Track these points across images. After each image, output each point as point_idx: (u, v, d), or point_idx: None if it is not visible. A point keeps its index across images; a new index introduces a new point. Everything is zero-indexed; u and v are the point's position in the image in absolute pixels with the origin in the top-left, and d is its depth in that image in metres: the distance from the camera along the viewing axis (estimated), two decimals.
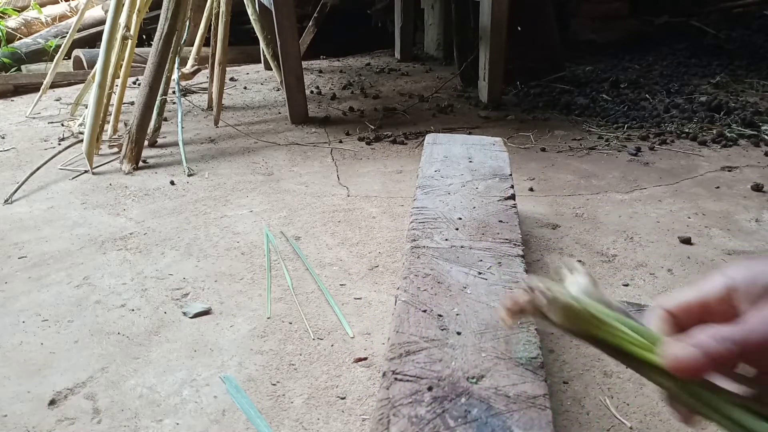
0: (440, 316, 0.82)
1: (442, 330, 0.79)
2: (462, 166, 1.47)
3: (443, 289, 0.90)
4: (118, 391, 1.18)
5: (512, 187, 1.35)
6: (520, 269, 0.97)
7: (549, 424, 0.64)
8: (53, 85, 3.53)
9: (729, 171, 2.24)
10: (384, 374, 0.71)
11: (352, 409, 1.12)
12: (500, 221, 1.15)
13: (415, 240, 1.07)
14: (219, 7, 3.08)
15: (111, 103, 2.69)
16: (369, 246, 1.74)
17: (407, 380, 0.70)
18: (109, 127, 2.72)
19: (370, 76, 4.06)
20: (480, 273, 0.94)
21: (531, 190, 2.12)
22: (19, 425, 1.10)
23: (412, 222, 1.15)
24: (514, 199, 1.28)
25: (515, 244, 1.05)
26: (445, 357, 0.73)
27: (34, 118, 3.19)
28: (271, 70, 3.58)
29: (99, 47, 2.64)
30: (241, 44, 4.41)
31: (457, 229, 1.11)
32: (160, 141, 2.75)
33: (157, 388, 1.19)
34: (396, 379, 0.70)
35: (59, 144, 2.71)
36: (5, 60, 4.14)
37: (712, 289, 0.41)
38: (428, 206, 1.22)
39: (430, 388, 0.68)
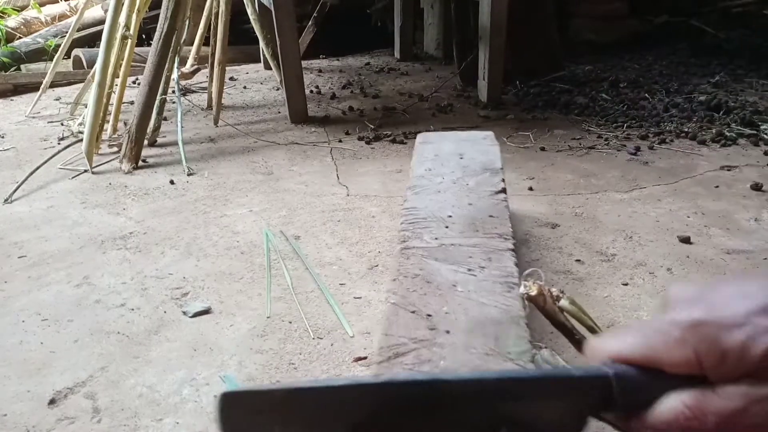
0: (429, 315, 0.82)
1: (431, 330, 0.79)
2: (453, 163, 1.46)
3: (432, 289, 0.89)
4: (118, 390, 1.18)
5: (503, 180, 1.34)
6: (511, 263, 0.96)
7: None
8: (53, 85, 3.53)
9: (728, 170, 2.24)
10: None
11: None
12: (491, 216, 1.15)
13: (405, 241, 1.06)
14: (218, 7, 3.08)
15: (111, 102, 2.69)
16: (368, 245, 1.74)
17: None
18: (108, 127, 2.72)
19: (369, 76, 4.05)
20: (470, 270, 0.94)
21: (530, 189, 2.12)
22: (19, 424, 1.10)
23: (402, 223, 1.15)
24: (505, 193, 1.28)
25: (505, 238, 1.05)
26: (433, 357, 0.73)
27: (33, 117, 3.19)
28: (271, 69, 3.58)
29: (99, 47, 2.64)
30: (240, 44, 4.40)
31: (447, 227, 1.11)
32: (159, 140, 2.75)
33: (157, 387, 1.19)
34: None
35: (59, 143, 2.71)
36: (5, 59, 4.13)
37: (669, 355, 0.37)
38: (418, 206, 1.22)
39: None
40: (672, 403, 0.37)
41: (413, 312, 0.83)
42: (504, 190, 1.28)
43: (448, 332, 0.78)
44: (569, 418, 0.41)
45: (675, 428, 0.36)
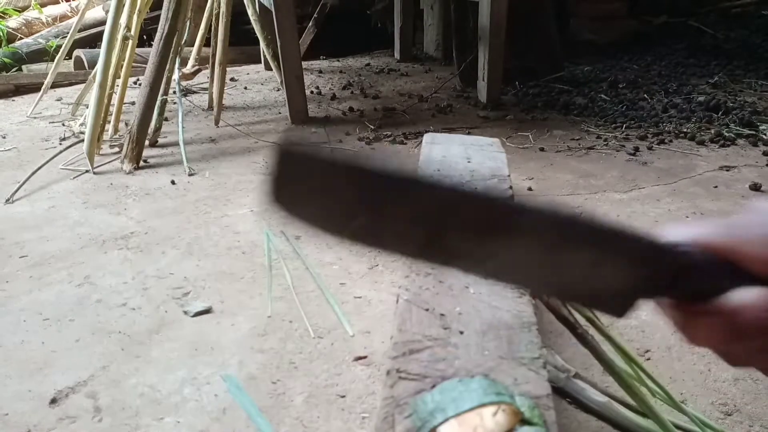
0: (442, 315, 0.83)
1: (445, 329, 0.79)
2: (461, 167, 1.47)
3: (445, 289, 0.90)
4: (119, 389, 1.19)
5: (511, 188, 1.36)
6: None
7: (553, 424, 0.64)
8: (54, 85, 3.53)
9: (727, 170, 2.25)
10: (388, 373, 0.72)
11: (352, 407, 1.13)
12: None
13: None
14: (219, 8, 3.08)
15: (112, 103, 2.69)
16: None
17: (411, 379, 0.70)
18: (110, 127, 2.73)
19: (369, 76, 4.06)
20: None
21: (530, 189, 2.13)
22: (20, 424, 1.10)
23: None
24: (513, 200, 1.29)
25: None
26: (448, 356, 0.74)
27: (35, 117, 3.20)
28: (272, 70, 3.59)
29: (100, 47, 2.64)
30: (241, 44, 4.41)
31: None
32: (160, 141, 2.75)
33: (158, 386, 1.20)
34: (400, 377, 0.70)
35: (60, 144, 2.72)
36: (6, 60, 4.14)
37: (750, 248, 0.35)
38: None
39: (434, 387, 0.68)
40: (754, 291, 0.34)
41: (426, 310, 0.84)
42: (512, 198, 1.29)
43: (461, 333, 0.78)
44: (620, 287, 0.37)
45: (756, 317, 0.34)
